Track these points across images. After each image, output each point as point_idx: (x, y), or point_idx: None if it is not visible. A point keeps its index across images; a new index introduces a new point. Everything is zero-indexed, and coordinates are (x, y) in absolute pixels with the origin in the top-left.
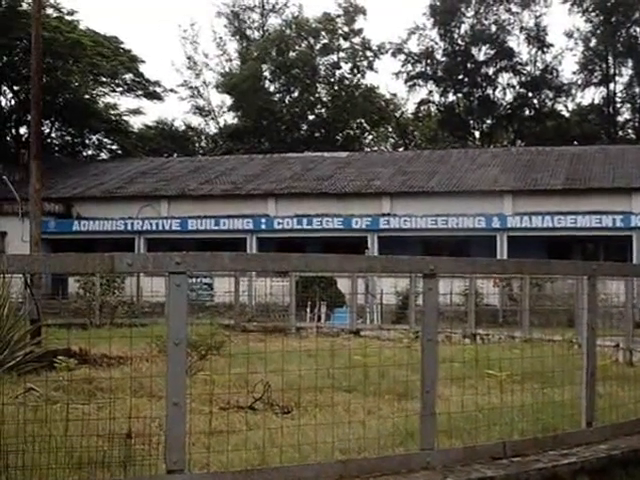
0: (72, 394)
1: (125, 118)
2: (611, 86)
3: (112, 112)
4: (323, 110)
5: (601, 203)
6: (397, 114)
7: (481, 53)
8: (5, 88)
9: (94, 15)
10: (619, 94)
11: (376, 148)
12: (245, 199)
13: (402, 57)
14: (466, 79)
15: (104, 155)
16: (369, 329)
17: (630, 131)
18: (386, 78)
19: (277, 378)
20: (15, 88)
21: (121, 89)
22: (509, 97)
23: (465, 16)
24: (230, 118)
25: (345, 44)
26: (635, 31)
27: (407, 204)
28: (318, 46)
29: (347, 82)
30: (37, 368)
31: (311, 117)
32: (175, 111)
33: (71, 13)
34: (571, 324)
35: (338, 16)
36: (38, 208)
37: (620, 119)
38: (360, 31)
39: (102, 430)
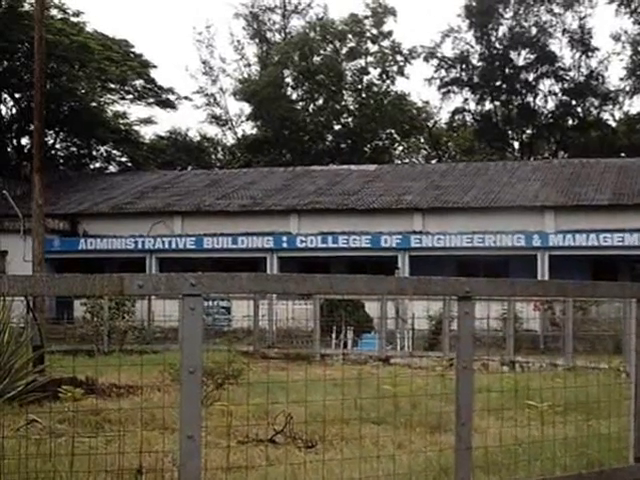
0: (78, 426)
1: (135, 128)
2: None
3: (121, 121)
4: (350, 119)
5: None
6: (430, 123)
7: (520, 57)
8: (6, 95)
9: (102, 17)
10: None
11: (407, 160)
12: (265, 215)
13: (435, 62)
14: (504, 86)
15: (113, 168)
16: (399, 356)
17: None
18: (418, 85)
19: (300, 409)
20: (16, 95)
21: (131, 96)
22: (551, 105)
23: (503, 17)
24: (249, 128)
25: (373, 48)
26: None
27: (440, 221)
28: (344, 50)
29: (376, 89)
30: (40, 398)
31: (337, 127)
32: (189, 120)
33: (77, 14)
34: (618, 351)
35: (366, 17)
36: (41, 225)
37: None
38: (390, 34)
39: (110, 465)
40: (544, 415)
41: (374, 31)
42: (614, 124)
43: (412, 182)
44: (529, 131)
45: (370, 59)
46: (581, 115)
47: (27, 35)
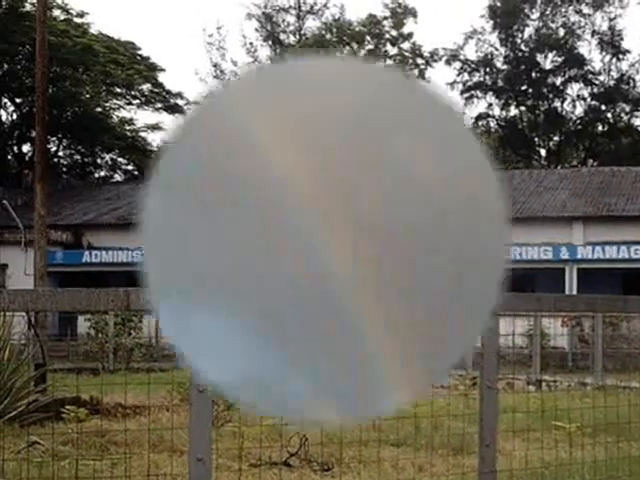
0: (82, 448)
1: (142, 134)
2: None
3: (128, 128)
4: None
5: None
6: None
7: (547, 60)
8: (6, 100)
9: (107, 18)
10: None
11: None
12: None
13: (458, 65)
14: (530, 90)
15: (118, 177)
16: None
17: None
18: (439, 89)
19: (315, 430)
20: (17, 100)
21: (138, 101)
22: (579, 111)
23: (529, 18)
24: None
25: (393, 50)
26: None
27: None
28: (362, 52)
29: None
30: (42, 419)
31: None
32: None
33: (81, 15)
34: None
35: (385, 18)
36: (43, 237)
37: None
38: (410, 35)
39: None
40: (572, 437)
41: (393, 33)
42: None
43: None
44: (556, 138)
45: (389, 62)
46: (611, 121)
47: (28, 37)
